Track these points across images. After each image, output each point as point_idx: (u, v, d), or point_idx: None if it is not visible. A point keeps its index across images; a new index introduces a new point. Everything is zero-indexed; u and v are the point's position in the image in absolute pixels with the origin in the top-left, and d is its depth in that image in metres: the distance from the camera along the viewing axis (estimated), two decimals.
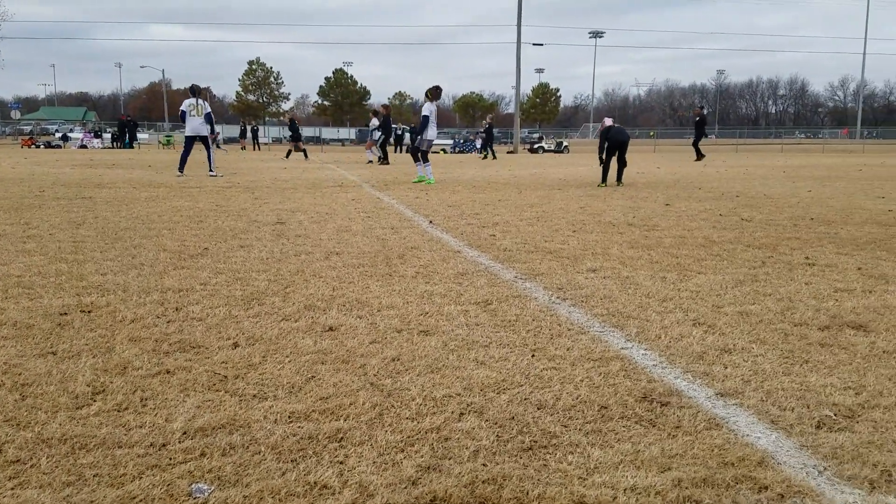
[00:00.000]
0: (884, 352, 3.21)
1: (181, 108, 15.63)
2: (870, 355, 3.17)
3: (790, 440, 2.33)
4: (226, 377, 2.86)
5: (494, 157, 30.76)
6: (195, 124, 15.32)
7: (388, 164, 22.46)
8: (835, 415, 2.52)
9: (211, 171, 15.30)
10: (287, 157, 26.47)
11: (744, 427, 2.43)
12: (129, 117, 47.32)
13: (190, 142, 15.54)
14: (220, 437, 2.31)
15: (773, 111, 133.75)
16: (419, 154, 13.88)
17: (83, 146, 42.49)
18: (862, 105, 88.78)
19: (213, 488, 1.99)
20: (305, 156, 26.73)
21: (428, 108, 13.53)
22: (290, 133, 27.88)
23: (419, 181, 13.84)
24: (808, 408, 2.58)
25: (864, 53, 77.38)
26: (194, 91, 15.45)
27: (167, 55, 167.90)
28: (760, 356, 3.15)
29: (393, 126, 46.00)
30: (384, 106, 25.45)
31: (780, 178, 15.74)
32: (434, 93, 13.59)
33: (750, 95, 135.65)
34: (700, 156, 26.06)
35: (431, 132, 13.75)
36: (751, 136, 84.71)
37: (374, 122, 25.47)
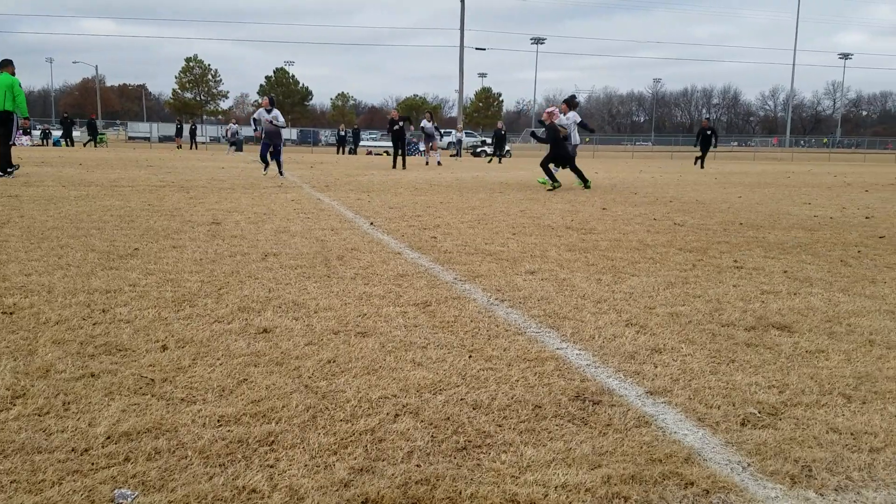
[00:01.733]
0: (806, 351, 3.34)
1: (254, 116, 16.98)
2: (793, 355, 3.29)
3: (716, 437, 2.40)
4: (153, 380, 2.77)
5: (500, 161, 30.67)
6: None
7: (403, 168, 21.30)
8: (759, 412, 2.60)
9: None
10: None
11: (672, 424, 2.49)
12: (66, 115, 45.92)
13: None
14: (145, 441, 2.24)
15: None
16: (566, 162, 14.15)
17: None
18: (791, 114, 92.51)
19: (136, 494, 1.93)
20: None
21: (574, 117, 14.42)
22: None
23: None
24: (734, 406, 2.66)
25: (794, 65, 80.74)
26: None
27: (100, 51, 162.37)
28: (689, 356, 3.24)
29: (341, 131, 45.65)
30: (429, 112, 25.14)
31: (711, 185, 16.24)
32: (573, 102, 14.78)
33: (685, 104, 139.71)
34: (701, 165, 26.94)
35: (576, 136, 14.73)
36: (685, 143, 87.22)
37: (428, 124, 26.10)
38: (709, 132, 27.23)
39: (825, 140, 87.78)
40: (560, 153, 13.74)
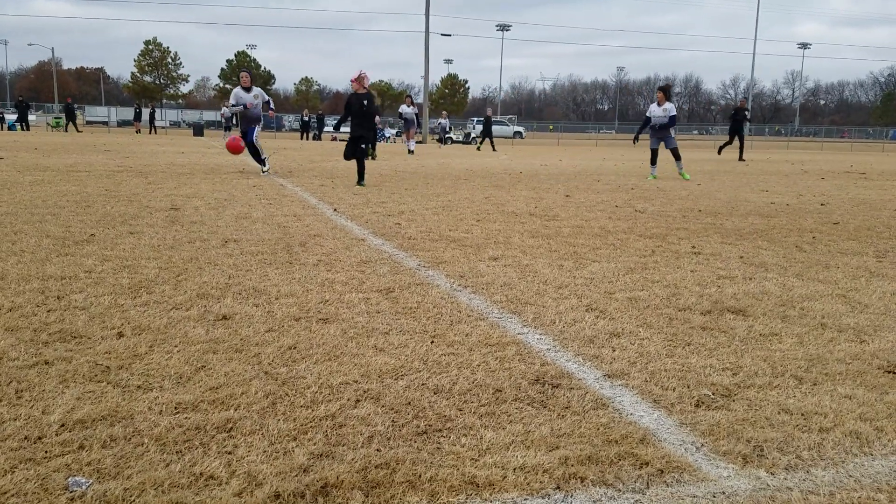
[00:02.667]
0: (760, 335, 3.42)
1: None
2: (747, 338, 3.37)
3: (671, 418, 2.45)
4: (109, 368, 2.73)
5: (494, 149, 29.59)
6: None
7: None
8: (713, 394, 2.66)
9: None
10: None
11: (628, 406, 2.53)
12: (21, 98, 44.61)
13: None
14: (100, 429, 2.21)
15: None
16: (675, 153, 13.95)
17: None
18: (751, 103, 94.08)
19: (91, 482, 1.90)
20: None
21: (671, 109, 13.80)
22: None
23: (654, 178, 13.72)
24: (689, 387, 2.72)
25: (754, 54, 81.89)
26: None
27: (57, 33, 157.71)
28: (646, 339, 3.29)
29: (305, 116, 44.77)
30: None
31: (672, 172, 16.47)
32: (668, 91, 14.22)
33: (648, 92, 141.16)
34: (722, 150, 24.37)
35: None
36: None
37: (408, 109, 24.36)
38: (746, 112, 23.81)
39: (777, 128, 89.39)
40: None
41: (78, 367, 2.72)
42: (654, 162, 14.27)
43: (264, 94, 13.04)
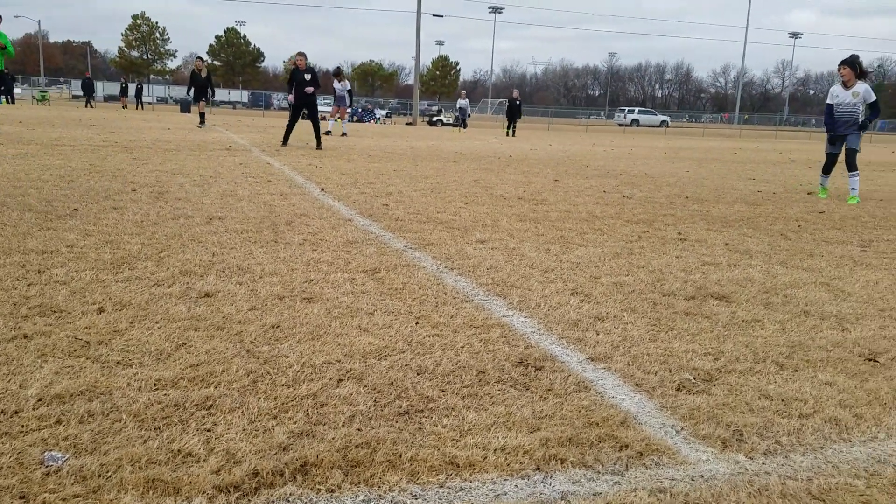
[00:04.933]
0: (742, 321, 3.44)
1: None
2: (730, 324, 3.38)
3: (652, 402, 2.45)
4: (88, 343, 2.70)
5: (514, 135, 27.36)
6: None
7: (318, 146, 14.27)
8: (694, 378, 2.67)
9: None
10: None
11: (610, 389, 2.53)
12: (6, 71, 43.95)
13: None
14: (78, 404, 2.18)
15: (660, 95, 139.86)
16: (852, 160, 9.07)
17: None
18: (741, 92, 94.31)
19: (67, 457, 1.88)
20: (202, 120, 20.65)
21: (865, 91, 8.85)
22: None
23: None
24: (670, 372, 2.72)
25: (745, 42, 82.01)
26: None
27: (43, 5, 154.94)
28: (630, 324, 3.30)
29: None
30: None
31: (661, 159, 16.50)
32: (856, 65, 8.85)
33: (639, 78, 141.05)
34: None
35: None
36: (610, 116, 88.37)
37: (343, 84, 20.89)
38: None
39: (745, 117, 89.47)
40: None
41: (57, 342, 2.68)
42: (827, 171, 9.40)
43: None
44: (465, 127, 33.47)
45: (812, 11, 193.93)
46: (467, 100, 35.82)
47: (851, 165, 8.99)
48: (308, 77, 14.31)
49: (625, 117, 64.39)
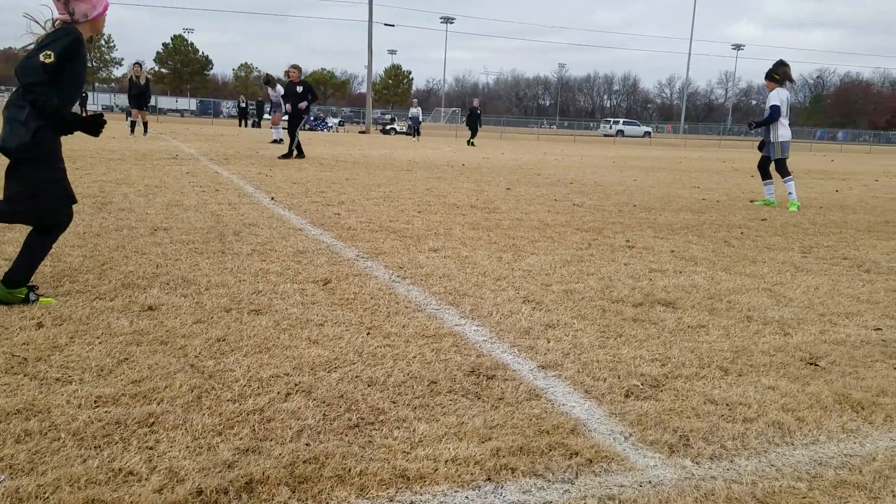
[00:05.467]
0: (688, 326, 3.50)
1: None
2: (676, 329, 3.44)
3: (601, 408, 2.48)
4: (26, 359, 2.60)
5: (474, 145, 26.76)
6: None
7: (301, 156, 13.99)
8: (642, 384, 2.71)
9: None
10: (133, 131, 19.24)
11: (560, 397, 2.55)
12: None
13: None
14: (14, 423, 2.10)
15: (608, 105, 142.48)
16: (777, 167, 9.24)
17: None
18: (686, 102, 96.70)
19: (3, 477, 1.80)
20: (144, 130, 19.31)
21: (778, 97, 9.06)
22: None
23: (765, 204, 9.43)
24: (619, 378, 2.76)
25: (689, 54, 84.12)
26: None
27: None
28: (580, 331, 3.33)
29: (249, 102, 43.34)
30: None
31: (610, 168, 16.77)
32: (784, 73, 9.08)
33: (588, 89, 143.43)
34: None
35: (783, 130, 9.19)
36: (586, 127, 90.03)
37: (277, 91, 19.01)
38: None
39: (670, 126, 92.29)
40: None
41: None
42: (765, 176, 9.62)
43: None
44: (418, 135, 33.35)
45: (754, 24, 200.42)
46: (419, 108, 35.77)
47: (779, 172, 9.26)
48: (300, 89, 13.96)
49: (610, 128, 68.66)
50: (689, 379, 2.80)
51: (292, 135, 14.15)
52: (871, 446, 2.31)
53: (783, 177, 9.22)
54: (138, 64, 19.29)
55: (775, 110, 9.03)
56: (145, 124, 19.78)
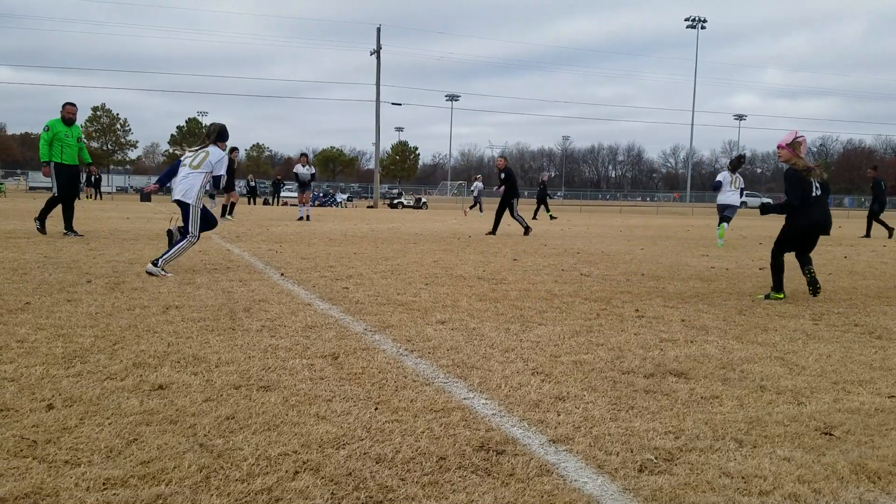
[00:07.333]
0: (701, 397, 3.47)
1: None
2: (689, 401, 3.41)
3: (614, 484, 2.44)
4: (35, 442, 2.60)
5: (535, 217, 26.62)
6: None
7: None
8: (655, 458, 2.67)
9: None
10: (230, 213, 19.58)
11: (572, 472, 2.51)
12: None
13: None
14: None
15: (614, 175, 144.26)
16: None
17: None
18: (691, 171, 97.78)
19: None
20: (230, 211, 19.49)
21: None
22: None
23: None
24: (632, 452, 2.72)
25: (692, 124, 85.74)
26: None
27: (1, 97, 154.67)
28: (591, 403, 3.30)
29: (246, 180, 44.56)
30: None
31: (617, 237, 16.86)
32: (738, 162, 14.41)
33: (592, 160, 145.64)
34: (889, 231, 18.12)
35: (723, 196, 14.30)
36: (593, 197, 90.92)
37: (302, 169, 20.97)
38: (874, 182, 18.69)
39: (677, 195, 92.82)
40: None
41: (3, 442, 2.58)
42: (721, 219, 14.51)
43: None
44: (480, 209, 33.49)
45: (755, 94, 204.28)
46: (481, 182, 38.02)
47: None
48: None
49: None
50: (704, 452, 2.76)
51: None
52: None
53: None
54: (236, 148, 19.46)
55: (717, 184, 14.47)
56: (233, 205, 19.86)
